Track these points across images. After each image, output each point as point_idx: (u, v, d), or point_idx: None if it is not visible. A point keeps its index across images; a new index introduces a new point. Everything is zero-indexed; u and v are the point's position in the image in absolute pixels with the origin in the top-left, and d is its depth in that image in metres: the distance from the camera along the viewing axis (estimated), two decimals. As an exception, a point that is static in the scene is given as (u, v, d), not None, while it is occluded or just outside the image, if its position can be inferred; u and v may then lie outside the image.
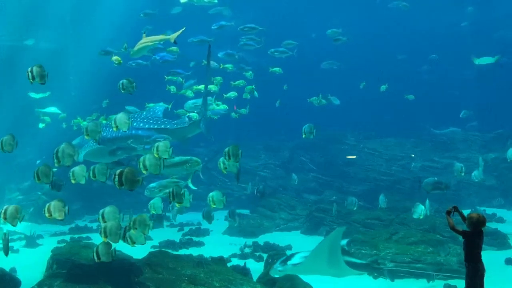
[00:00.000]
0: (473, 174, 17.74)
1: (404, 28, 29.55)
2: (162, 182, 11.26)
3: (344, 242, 10.02)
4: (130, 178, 8.07)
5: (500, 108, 26.83)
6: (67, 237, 16.95)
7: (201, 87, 16.04)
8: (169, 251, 13.33)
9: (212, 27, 17.43)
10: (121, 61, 13.67)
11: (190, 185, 10.46)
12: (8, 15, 22.00)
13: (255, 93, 18.29)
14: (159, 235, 17.23)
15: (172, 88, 17.13)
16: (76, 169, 8.59)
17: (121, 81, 10.63)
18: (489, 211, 19.61)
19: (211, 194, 9.92)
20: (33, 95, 20.15)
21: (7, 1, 21.71)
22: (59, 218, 8.28)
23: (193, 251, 14.85)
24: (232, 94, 17.53)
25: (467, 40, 28.84)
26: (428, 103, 27.63)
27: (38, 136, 19.39)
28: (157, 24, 17.80)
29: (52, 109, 20.27)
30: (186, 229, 18.90)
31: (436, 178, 16.45)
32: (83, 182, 8.66)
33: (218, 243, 16.28)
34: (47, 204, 8.22)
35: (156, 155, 8.83)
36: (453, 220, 7.03)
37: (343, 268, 8.72)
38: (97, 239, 15.69)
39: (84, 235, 17.42)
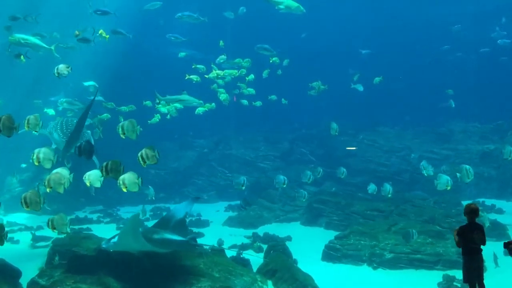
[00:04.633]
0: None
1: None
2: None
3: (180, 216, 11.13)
4: (7, 125, 8.20)
5: (500, 99, 26.77)
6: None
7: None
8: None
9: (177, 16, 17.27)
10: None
11: None
12: (5, 8, 21.91)
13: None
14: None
15: (195, 78, 17.11)
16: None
17: (56, 66, 10.92)
18: (488, 202, 19.67)
19: (122, 177, 8.69)
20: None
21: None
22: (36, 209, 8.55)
23: (193, 242, 14.87)
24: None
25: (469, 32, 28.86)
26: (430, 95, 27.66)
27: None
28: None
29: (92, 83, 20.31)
30: (186, 220, 18.91)
31: None
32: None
33: (218, 234, 16.29)
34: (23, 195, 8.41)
35: (26, 128, 9.05)
36: None
37: (146, 245, 9.56)
38: (97, 230, 15.80)
39: (84, 226, 17.46)
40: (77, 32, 14.24)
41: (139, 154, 8.82)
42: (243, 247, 14.56)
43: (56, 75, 10.99)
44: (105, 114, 18.07)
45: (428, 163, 16.49)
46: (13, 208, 19.69)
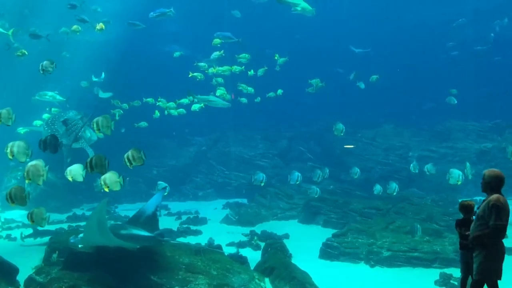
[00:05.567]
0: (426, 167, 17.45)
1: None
2: None
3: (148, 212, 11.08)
4: None
5: (498, 97, 26.82)
6: (65, 225, 16.98)
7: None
8: (167, 239, 13.38)
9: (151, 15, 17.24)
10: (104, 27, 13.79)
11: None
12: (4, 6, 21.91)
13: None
14: (157, 224, 17.29)
15: (199, 75, 17.08)
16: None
17: (41, 63, 10.76)
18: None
19: (103, 176, 8.71)
20: (101, 94, 20.31)
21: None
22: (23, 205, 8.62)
23: (191, 240, 14.90)
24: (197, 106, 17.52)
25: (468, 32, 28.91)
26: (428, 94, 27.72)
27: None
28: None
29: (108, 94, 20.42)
30: (184, 217, 18.95)
31: None
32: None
33: (216, 232, 16.33)
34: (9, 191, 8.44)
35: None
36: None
37: (112, 239, 9.43)
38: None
39: (81, 223, 17.43)
40: (71, 30, 14.26)
41: (125, 156, 8.79)
42: (241, 244, 14.58)
43: (41, 72, 10.88)
44: (118, 110, 18.27)
45: (417, 162, 16.64)
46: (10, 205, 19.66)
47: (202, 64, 17.43)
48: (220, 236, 15.35)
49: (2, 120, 9.04)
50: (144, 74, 25.67)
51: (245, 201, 21.68)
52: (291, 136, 26.82)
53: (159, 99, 18.55)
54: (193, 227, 17.12)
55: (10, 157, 8.65)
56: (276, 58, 18.59)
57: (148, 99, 18.79)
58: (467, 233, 6.66)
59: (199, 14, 22.49)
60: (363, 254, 13.11)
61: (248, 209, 19.03)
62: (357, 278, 11.86)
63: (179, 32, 25.09)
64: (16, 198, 8.36)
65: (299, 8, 15.33)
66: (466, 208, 7.02)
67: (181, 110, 17.89)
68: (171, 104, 18.21)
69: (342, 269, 12.56)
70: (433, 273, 11.59)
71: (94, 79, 20.21)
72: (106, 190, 8.89)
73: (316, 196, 16.41)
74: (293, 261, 12.02)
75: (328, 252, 13.45)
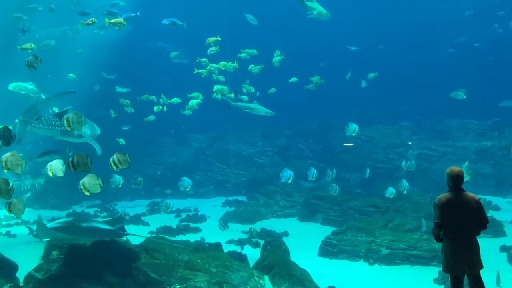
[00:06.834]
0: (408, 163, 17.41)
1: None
2: None
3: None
4: None
5: (497, 96, 26.83)
6: (64, 223, 16.96)
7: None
8: (166, 236, 13.43)
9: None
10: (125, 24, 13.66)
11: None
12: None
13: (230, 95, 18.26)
14: (156, 221, 17.31)
15: (204, 72, 17.05)
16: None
17: (27, 59, 10.65)
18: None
19: (82, 180, 8.66)
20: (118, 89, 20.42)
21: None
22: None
23: (190, 237, 14.92)
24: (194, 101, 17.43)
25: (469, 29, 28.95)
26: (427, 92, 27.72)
27: None
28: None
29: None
30: (183, 215, 18.96)
31: None
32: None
33: (215, 229, 16.33)
34: None
35: None
36: None
37: (55, 234, 10.98)
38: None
39: (81, 221, 17.43)
40: (83, 23, 14.21)
41: (110, 160, 8.79)
42: (240, 242, 14.58)
43: (27, 67, 10.82)
44: (129, 108, 18.28)
45: (410, 160, 16.86)
46: (9, 202, 19.61)
47: (204, 60, 17.36)
48: (219, 233, 15.35)
49: None
50: (145, 72, 25.64)
51: (244, 198, 21.69)
52: (290, 133, 26.80)
53: (162, 97, 18.58)
54: (192, 225, 17.14)
55: None
56: (276, 54, 18.55)
57: (152, 97, 18.78)
58: None
59: (197, 14, 22.43)
60: (362, 252, 13.15)
61: (248, 207, 19.06)
62: (356, 276, 11.89)
63: (179, 31, 25.05)
64: (1, 192, 8.27)
65: (315, 12, 15.37)
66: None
67: (192, 105, 17.80)
68: (175, 100, 18.20)
69: (341, 267, 12.59)
70: (432, 271, 11.58)
71: (106, 76, 20.20)
72: (87, 193, 8.83)
73: (335, 194, 16.43)
74: (292, 258, 12.04)
75: (327, 249, 13.48)
